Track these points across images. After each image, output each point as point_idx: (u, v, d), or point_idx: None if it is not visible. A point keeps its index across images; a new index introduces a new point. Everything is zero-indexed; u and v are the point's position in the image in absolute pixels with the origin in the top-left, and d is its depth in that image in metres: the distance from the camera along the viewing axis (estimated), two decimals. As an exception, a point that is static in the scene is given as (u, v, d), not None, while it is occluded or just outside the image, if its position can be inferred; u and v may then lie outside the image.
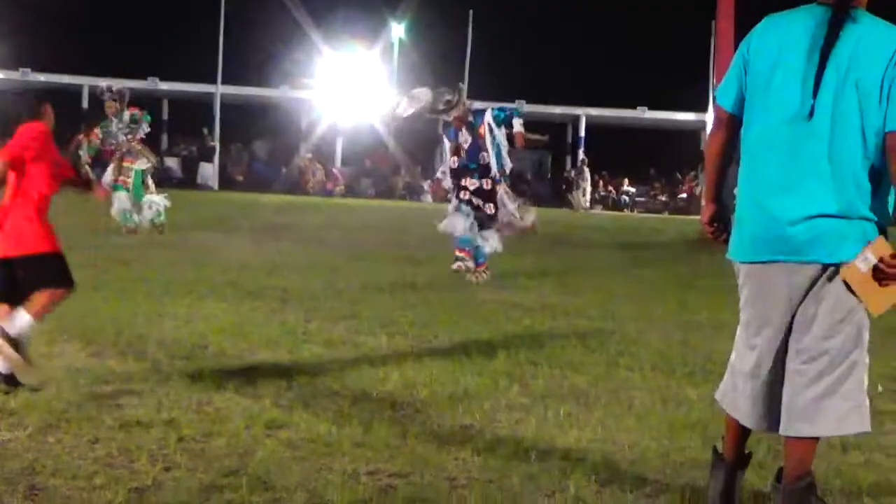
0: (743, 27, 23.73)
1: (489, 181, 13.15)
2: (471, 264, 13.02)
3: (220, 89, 47.02)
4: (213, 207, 24.73)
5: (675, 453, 5.12)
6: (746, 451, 4.39)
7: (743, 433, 4.31)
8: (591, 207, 47.98)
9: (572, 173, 50.83)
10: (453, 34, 51.63)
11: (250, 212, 26.13)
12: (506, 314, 9.93)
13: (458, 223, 13.17)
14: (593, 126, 52.93)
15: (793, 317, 4.11)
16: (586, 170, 48.06)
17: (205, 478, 4.50)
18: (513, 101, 49.22)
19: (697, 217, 40.75)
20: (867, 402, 4.11)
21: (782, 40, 4.12)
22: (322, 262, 14.51)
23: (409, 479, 4.60)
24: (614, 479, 4.67)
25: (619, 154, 47.73)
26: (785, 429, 4.08)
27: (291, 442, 5.09)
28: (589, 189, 48.47)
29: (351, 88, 48.11)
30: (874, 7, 4.12)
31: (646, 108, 51.97)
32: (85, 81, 44.37)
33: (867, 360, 4.14)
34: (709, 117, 38.65)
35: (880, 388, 7.00)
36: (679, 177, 53.42)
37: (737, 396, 4.24)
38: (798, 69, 4.03)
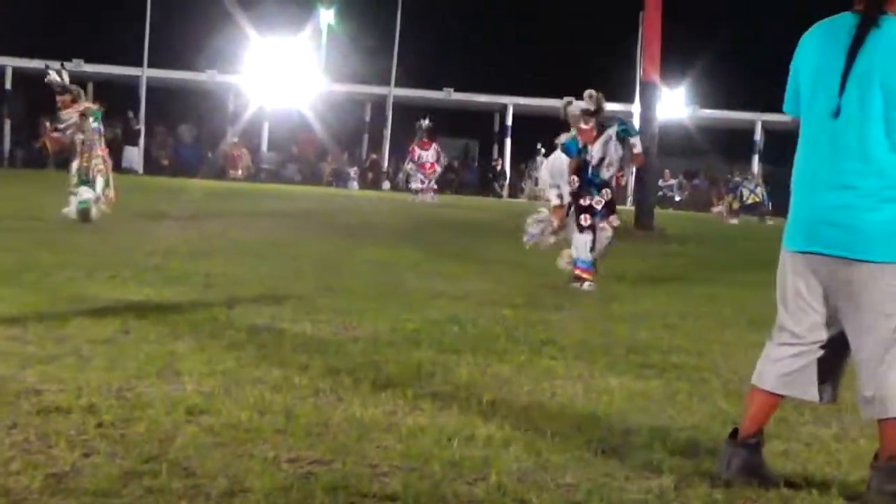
0: (670, 17, 23.92)
1: (609, 191, 12.54)
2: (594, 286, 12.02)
3: (145, 72, 46.58)
4: (138, 192, 24.48)
5: (596, 442, 5.14)
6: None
7: None
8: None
9: (499, 164, 50.99)
10: (382, 21, 51.47)
11: (176, 196, 25.92)
12: (430, 302, 9.94)
13: (581, 247, 12.23)
14: (521, 115, 53.02)
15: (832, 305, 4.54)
16: (538, 160, 47.91)
17: (124, 464, 4.45)
18: (441, 89, 49.32)
19: (624, 207, 41.08)
20: None
21: (818, 46, 4.56)
22: (246, 247, 14.45)
23: (331, 465, 4.58)
24: (536, 467, 4.68)
25: (545, 143, 47.79)
26: None
27: (212, 428, 5.05)
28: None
29: (279, 73, 47.86)
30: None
31: (573, 97, 52.11)
32: (8, 62, 43.82)
33: None
34: (635, 108, 38.83)
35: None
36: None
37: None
38: (828, 71, 4.45)
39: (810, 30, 4.64)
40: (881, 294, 4.36)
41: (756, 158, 49.91)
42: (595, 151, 12.34)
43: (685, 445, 5.17)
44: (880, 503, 4.40)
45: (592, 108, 12.45)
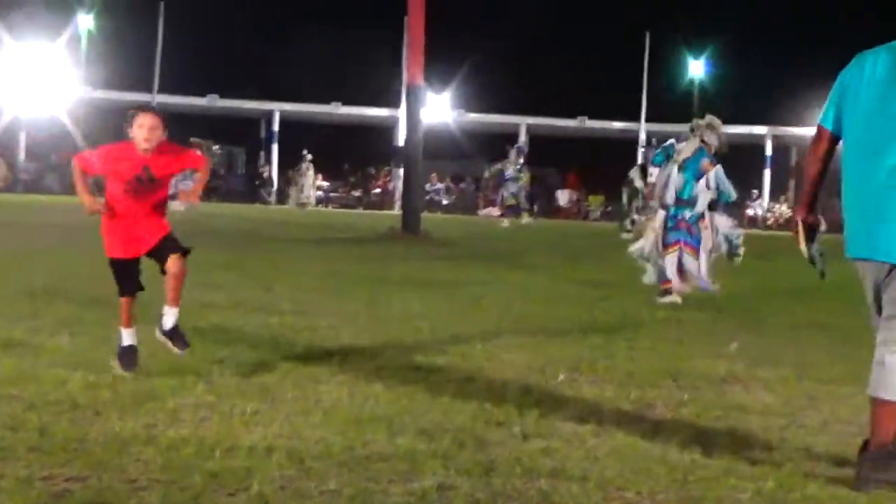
0: (435, 22, 24.10)
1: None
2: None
3: None
4: None
5: (360, 447, 5.13)
6: None
7: None
8: (315, 204, 47.86)
9: (266, 171, 50.71)
10: (144, 26, 50.58)
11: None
12: (195, 312, 9.75)
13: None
14: (288, 121, 52.84)
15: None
16: (304, 166, 47.80)
17: None
18: (204, 96, 48.71)
19: (391, 212, 41.31)
20: None
21: (877, 69, 5.01)
22: (3, 260, 13.96)
23: (87, 482, 4.45)
24: (299, 476, 4.65)
25: (312, 149, 47.80)
26: None
27: (-39, 449, 4.85)
28: (309, 185, 48.26)
29: (35, 80, 46.49)
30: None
31: (340, 103, 52.24)
32: None
33: None
34: (401, 113, 39.06)
35: (561, 377, 7.22)
36: (373, 172, 53.96)
37: None
38: (884, 94, 4.93)
39: (863, 56, 5.11)
40: None
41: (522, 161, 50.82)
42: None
43: (449, 447, 5.20)
44: (868, 489, 4.82)
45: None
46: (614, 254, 22.05)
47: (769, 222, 48.11)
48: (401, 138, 40.51)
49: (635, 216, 27.15)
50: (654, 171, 13.12)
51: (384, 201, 49.86)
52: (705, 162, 12.66)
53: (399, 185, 39.48)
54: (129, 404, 5.84)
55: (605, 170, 51.93)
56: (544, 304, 11.58)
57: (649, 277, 12.89)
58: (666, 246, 12.62)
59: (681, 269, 12.58)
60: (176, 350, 7.01)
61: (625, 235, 26.44)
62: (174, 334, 7.06)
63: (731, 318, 11.16)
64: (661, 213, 12.78)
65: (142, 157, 6.81)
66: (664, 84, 58.82)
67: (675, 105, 58.62)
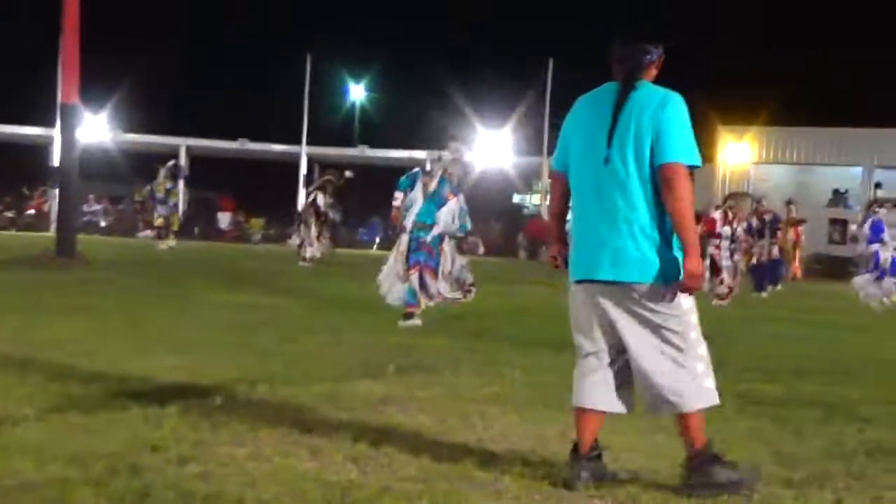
0: (90, 41, 23.49)
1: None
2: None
3: None
4: None
5: (7, 477, 4.96)
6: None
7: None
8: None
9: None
10: None
11: None
12: None
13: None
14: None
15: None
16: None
17: None
18: None
19: (46, 233, 39.97)
20: None
21: (586, 112, 5.53)
22: None
23: None
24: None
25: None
26: None
27: None
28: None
29: None
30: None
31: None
32: None
33: None
34: (56, 132, 37.90)
35: (218, 400, 7.18)
36: (27, 192, 52.12)
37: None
38: (596, 128, 5.38)
39: (578, 101, 5.60)
40: (653, 308, 5.31)
41: (182, 183, 50.11)
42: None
43: (102, 474, 5.10)
44: (700, 493, 5.27)
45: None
46: (274, 277, 22.11)
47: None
48: (56, 158, 39.29)
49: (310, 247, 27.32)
50: (398, 196, 13.66)
51: (39, 223, 48.21)
52: (447, 191, 13.43)
53: (55, 206, 38.26)
54: None
55: (266, 192, 51.99)
56: (204, 327, 11.46)
57: (394, 299, 13.41)
58: (409, 268, 13.27)
59: (423, 287, 13.23)
60: None
61: (302, 264, 26.65)
62: None
63: (389, 340, 11.34)
64: (405, 237, 13.44)
65: None
66: (326, 107, 59.46)
67: (336, 128, 59.41)
